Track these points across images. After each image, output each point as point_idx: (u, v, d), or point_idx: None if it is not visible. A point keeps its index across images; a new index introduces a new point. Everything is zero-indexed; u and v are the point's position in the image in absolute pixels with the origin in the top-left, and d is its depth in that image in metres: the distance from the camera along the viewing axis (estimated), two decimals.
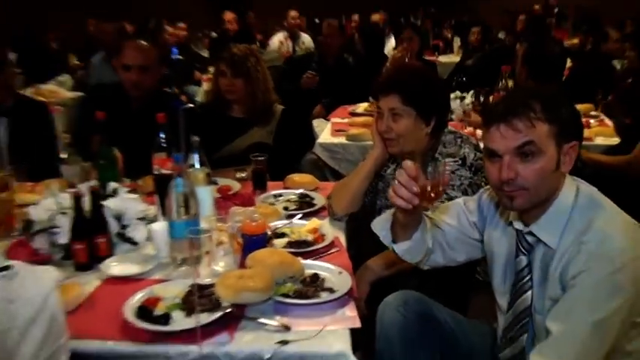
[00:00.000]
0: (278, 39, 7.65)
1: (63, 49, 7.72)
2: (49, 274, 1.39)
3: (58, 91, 5.48)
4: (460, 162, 2.21)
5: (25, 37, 7.34)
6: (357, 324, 1.67)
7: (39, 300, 1.30)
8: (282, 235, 2.18)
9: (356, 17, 11.37)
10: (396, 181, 1.59)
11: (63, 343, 1.36)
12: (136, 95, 3.15)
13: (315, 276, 1.88)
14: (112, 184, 2.24)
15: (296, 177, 2.81)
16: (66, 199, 2.09)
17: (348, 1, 11.63)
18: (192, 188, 1.95)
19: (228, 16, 7.42)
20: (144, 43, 3.24)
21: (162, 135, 2.31)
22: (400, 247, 1.85)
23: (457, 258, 1.93)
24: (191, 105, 2.08)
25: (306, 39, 7.81)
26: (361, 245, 2.32)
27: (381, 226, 1.90)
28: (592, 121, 4.05)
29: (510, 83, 3.80)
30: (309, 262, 1.97)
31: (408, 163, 1.57)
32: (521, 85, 3.54)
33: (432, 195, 1.60)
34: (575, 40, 8.12)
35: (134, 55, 3.10)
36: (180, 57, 6.68)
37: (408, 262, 1.92)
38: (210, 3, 11.43)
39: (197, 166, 2.21)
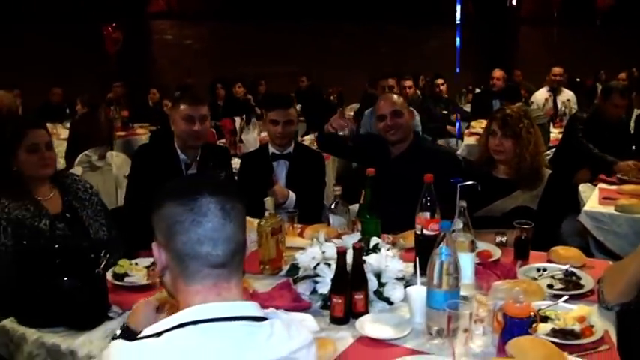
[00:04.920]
0: (542, 96, 7.14)
1: (339, 102, 8.18)
2: (305, 331, 1.28)
3: None
4: None
5: (308, 91, 7.93)
6: None
7: (285, 351, 1.19)
8: (546, 318, 1.85)
9: None
10: None
11: None
12: (395, 140, 3.15)
13: None
14: (374, 240, 2.13)
15: (561, 250, 2.43)
16: (331, 247, 2.04)
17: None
18: (457, 258, 1.74)
19: (497, 73, 7.14)
20: (394, 95, 3.38)
21: (427, 195, 2.15)
22: None
23: None
24: (471, 182, 1.91)
25: (569, 95, 7.18)
26: (635, 346, 1.88)
27: None
28: None
29: None
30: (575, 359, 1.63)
31: None
32: None
33: None
34: None
35: (385, 104, 3.17)
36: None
37: None
38: (478, 61, 11.34)
39: (462, 231, 2.00)
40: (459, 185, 1.88)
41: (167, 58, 9.94)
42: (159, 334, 1.13)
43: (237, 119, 5.51)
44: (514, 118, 2.86)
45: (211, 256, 1.18)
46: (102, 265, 1.95)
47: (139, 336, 1.16)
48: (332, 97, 8.27)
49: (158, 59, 9.87)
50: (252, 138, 4.78)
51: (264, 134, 5.08)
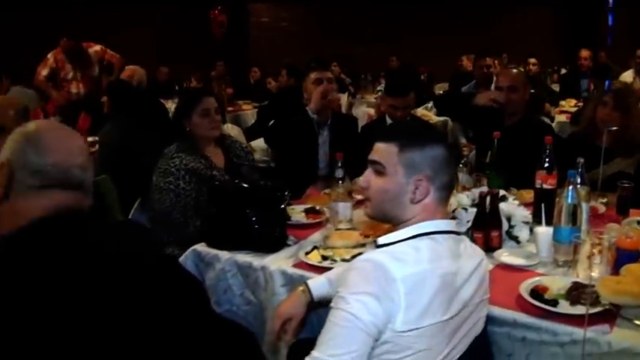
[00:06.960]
0: (629, 76, 7.19)
1: (429, 81, 8.48)
2: (479, 248, 1.75)
3: (428, 114, 6.05)
4: None
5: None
6: None
7: (477, 260, 1.65)
8: None
9: None
10: None
11: (486, 298, 1.68)
12: (509, 112, 3.48)
13: None
14: (501, 191, 2.50)
15: None
16: (463, 197, 2.44)
17: None
18: (580, 201, 2.11)
19: (584, 53, 7.26)
20: (514, 70, 3.83)
21: (547, 154, 2.51)
22: None
23: None
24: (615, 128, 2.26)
25: None
26: None
27: None
28: None
29: None
30: None
31: None
32: None
33: None
34: None
35: (504, 78, 3.54)
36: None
37: None
38: (563, 41, 11.28)
39: (581, 184, 2.36)
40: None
41: (264, 39, 10.45)
42: (394, 242, 1.56)
43: (343, 96, 5.91)
44: (625, 92, 3.19)
45: (450, 184, 1.64)
46: (285, 202, 2.42)
47: (379, 243, 1.59)
48: (422, 77, 8.55)
49: (255, 40, 10.40)
50: (362, 112, 5.18)
51: (369, 109, 5.51)
